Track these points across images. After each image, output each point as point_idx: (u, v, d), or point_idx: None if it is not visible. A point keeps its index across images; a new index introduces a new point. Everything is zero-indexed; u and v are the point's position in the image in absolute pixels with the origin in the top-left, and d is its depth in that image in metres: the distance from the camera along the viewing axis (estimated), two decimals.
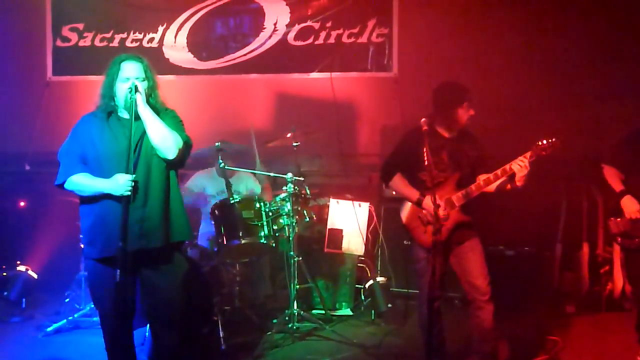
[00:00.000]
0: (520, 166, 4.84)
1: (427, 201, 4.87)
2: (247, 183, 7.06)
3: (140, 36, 8.20)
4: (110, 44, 8.18)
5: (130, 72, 4.46)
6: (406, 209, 5.17)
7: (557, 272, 7.28)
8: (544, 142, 4.87)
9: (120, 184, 4.26)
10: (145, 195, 4.40)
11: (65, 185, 4.49)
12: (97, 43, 8.20)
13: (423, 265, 5.07)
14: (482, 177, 4.99)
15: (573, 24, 7.79)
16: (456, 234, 5.05)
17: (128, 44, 8.19)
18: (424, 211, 4.99)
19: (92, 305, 6.47)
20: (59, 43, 8.32)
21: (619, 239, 5.60)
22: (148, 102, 4.46)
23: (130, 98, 4.34)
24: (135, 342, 4.76)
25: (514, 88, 7.73)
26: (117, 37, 8.18)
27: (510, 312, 5.82)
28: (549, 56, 7.82)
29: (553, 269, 7.26)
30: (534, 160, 4.87)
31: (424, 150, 4.57)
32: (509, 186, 4.98)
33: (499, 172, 4.90)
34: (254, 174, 7.11)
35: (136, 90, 4.37)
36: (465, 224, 5.06)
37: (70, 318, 6.55)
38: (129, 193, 4.25)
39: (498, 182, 4.95)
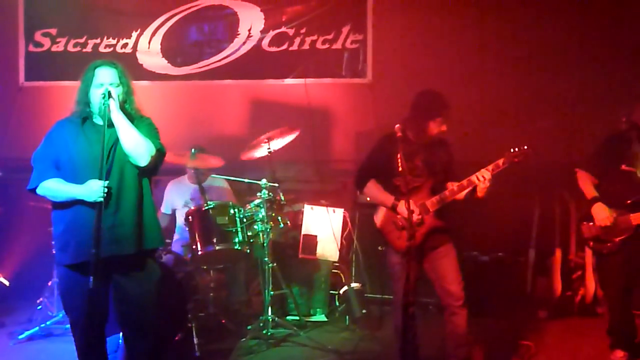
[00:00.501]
0: (480, 179, 4.89)
1: (402, 206, 4.89)
2: (222, 190, 7.05)
3: (114, 41, 8.15)
4: (84, 50, 8.13)
5: (105, 78, 4.45)
6: (380, 214, 5.18)
7: (530, 278, 7.33)
8: (516, 149, 4.92)
9: (93, 189, 4.24)
10: (118, 201, 4.38)
11: (38, 191, 4.46)
12: (70, 48, 8.15)
13: (397, 270, 5.08)
14: (452, 185, 5.03)
15: (546, 30, 7.85)
16: (430, 239, 5.07)
17: (101, 49, 8.14)
18: (398, 216, 5.01)
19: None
20: (31, 48, 8.26)
21: (591, 244, 5.68)
22: (123, 108, 4.45)
23: (104, 104, 4.33)
24: (108, 349, 4.73)
25: (487, 94, 7.78)
26: (91, 43, 8.13)
27: (484, 318, 5.86)
28: (522, 62, 7.88)
29: (526, 275, 7.32)
30: (506, 167, 4.92)
31: (398, 156, 4.60)
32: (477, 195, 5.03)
33: (464, 182, 4.95)
34: (228, 180, 7.10)
35: (109, 96, 4.35)
36: (439, 230, 5.08)
37: (43, 325, 6.49)
38: (102, 199, 4.22)
39: (465, 191, 4.99)
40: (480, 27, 7.91)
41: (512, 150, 4.93)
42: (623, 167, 5.45)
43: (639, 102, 5.48)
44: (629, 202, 5.42)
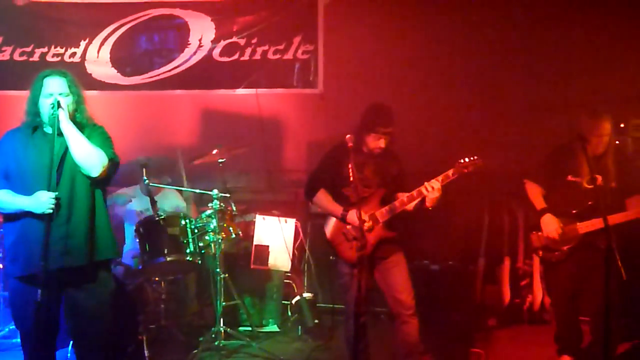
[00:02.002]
0: (429, 190, 4.94)
1: (351, 216, 4.93)
2: (172, 200, 7.01)
3: (62, 50, 8.03)
4: (30, 59, 7.98)
5: (54, 87, 4.42)
6: (330, 225, 5.21)
7: (480, 286, 7.40)
8: (466, 160, 4.99)
9: (41, 201, 4.21)
10: (69, 212, 4.35)
11: None
12: (16, 57, 7.98)
13: (348, 280, 5.11)
14: (402, 196, 5.08)
15: (497, 44, 7.97)
16: (380, 249, 5.11)
17: (49, 58, 8.00)
18: (348, 226, 5.04)
19: (12, 327, 6.32)
20: None
21: (540, 253, 5.77)
22: (74, 117, 4.42)
23: (53, 114, 4.29)
24: None
25: (438, 104, 7.86)
26: (38, 52, 7.99)
27: (435, 326, 5.90)
28: (473, 73, 7.99)
29: (476, 283, 7.38)
30: (456, 178, 4.98)
31: (349, 166, 4.63)
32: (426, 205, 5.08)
33: (414, 192, 5.00)
34: (179, 191, 7.06)
35: (59, 106, 4.32)
36: (389, 240, 5.13)
37: None
38: (51, 210, 4.19)
39: (414, 202, 5.05)
40: (430, 39, 7.98)
41: (461, 161, 5.00)
42: (569, 177, 5.55)
43: (583, 114, 5.59)
44: (574, 211, 5.53)
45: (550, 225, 5.57)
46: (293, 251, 7.09)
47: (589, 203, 5.36)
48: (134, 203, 6.90)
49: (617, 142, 6.17)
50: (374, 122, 5.10)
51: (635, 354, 6.09)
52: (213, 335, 6.24)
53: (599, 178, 5.32)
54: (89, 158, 4.35)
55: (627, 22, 7.59)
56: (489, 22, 7.98)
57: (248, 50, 8.15)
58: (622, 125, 6.87)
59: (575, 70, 7.75)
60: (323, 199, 5.20)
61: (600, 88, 7.45)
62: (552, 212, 5.59)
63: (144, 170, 6.30)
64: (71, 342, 5.29)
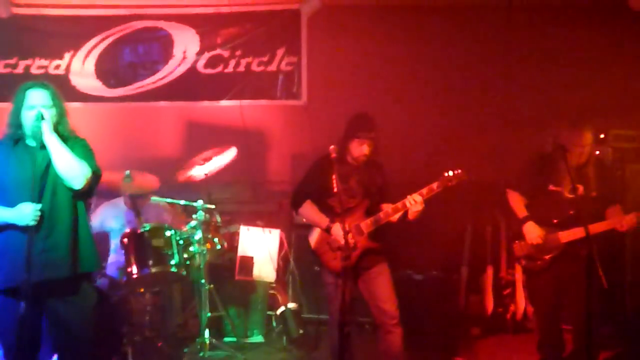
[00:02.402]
0: (412, 203, 4.97)
1: (336, 228, 4.94)
2: (157, 212, 7.00)
3: (46, 63, 8.00)
4: (14, 70, 7.93)
5: (37, 99, 4.39)
6: (315, 235, 5.22)
7: (463, 295, 7.43)
8: (450, 173, 5.03)
9: (24, 213, 4.18)
10: (50, 224, 4.31)
11: None
12: (0, 69, 7.98)
13: (332, 290, 5.12)
14: (386, 207, 5.09)
15: (476, 58, 8.03)
16: (364, 260, 5.12)
17: (33, 70, 7.96)
18: (332, 237, 5.05)
19: None
20: None
21: (523, 262, 5.80)
22: (57, 129, 4.40)
23: (36, 126, 4.28)
24: None
25: (421, 116, 7.88)
26: (22, 64, 7.95)
27: (419, 335, 5.91)
28: (455, 86, 8.03)
29: (459, 292, 7.41)
30: (440, 190, 5.01)
31: (333, 177, 4.65)
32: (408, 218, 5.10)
33: (399, 204, 5.03)
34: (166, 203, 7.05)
35: (42, 118, 4.30)
36: (374, 250, 5.14)
37: None
38: (35, 223, 4.16)
39: (398, 214, 5.07)
40: (413, 52, 8.03)
41: (446, 174, 5.03)
42: (551, 187, 5.59)
43: (563, 124, 5.64)
44: (556, 221, 5.57)
45: (533, 232, 5.60)
46: (278, 262, 7.09)
47: (570, 212, 5.40)
48: (114, 220, 6.87)
49: (597, 152, 6.24)
50: (356, 128, 5.15)
51: None
52: (198, 347, 6.23)
53: (580, 188, 5.38)
54: (72, 170, 4.33)
55: (607, 36, 7.68)
56: (471, 36, 8.04)
57: (232, 62, 8.16)
58: (602, 136, 6.93)
59: (556, 83, 7.81)
60: (309, 210, 5.21)
61: (580, 99, 7.51)
62: (534, 221, 5.63)
63: (128, 183, 6.28)
64: (55, 357, 5.28)
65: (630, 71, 7.63)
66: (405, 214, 5.06)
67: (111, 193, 6.91)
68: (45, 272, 4.27)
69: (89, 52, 8.06)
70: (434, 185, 5.00)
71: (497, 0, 7.92)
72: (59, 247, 4.35)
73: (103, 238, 6.82)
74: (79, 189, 4.38)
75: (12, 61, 7.98)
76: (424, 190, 4.99)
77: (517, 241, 5.75)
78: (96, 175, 4.51)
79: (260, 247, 7.02)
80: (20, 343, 4.18)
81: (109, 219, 6.87)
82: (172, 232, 6.19)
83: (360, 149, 5.14)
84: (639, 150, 7.30)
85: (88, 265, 4.55)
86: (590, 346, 4.74)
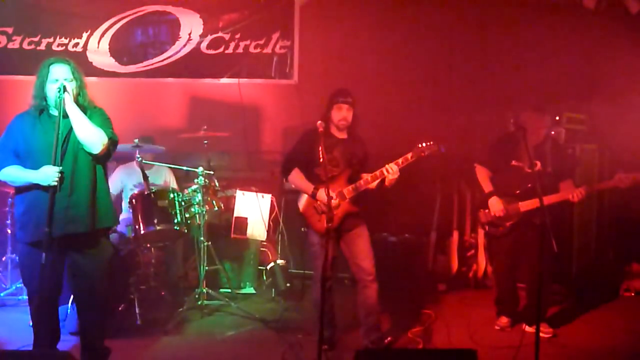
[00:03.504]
0: (389, 172, 4.99)
1: (321, 193, 4.97)
2: (163, 176, 7.01)
3: (66, 41, 7.95)
4: (38, 47, 7.89)
5: (59, 73, 4.40)
6: (303, 200, 5.24)
7: (432, 256, 7.48)
8: (424, 144, 5.04)
9: (47, 174, 4.21)
10: (72, 185, 4.34)
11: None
12: (25, 46, 7.89)
13: (317, 249, 5.15)
14: (366, 175, 5.12)
15: (452, 42, 8.05)
16: (346, 222, 5.15)
17: (54, 47, 7.91)
18: (318, 202, 5.07)
19: (18, 285, 6.32)
20: None
21: (487, 227, 5.87)
22: (77, 100, 4.42)
23: (59, 97, 4.28)
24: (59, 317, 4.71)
25: (400, 96, 7.90)
26: (44, 41, 7.90)
27: (392, 290, 5.96)
28: (430, 69, 8.05)
29: (428, 253, 7.45)
30: (414, 160, 5.03)
31: (320, 148, 4.66)
32: (385, 185, 5.13)
33: (377, 173, 5.05)
34: (171, 168, 7.05)
35: (64, 90, 4.30)
36: (354, 214, 5.17)
37: None
38: (55, 183, 4.18)
39: (376, 181, 5.09)
40: (395, 35, 8.03)
41: (419, 145, 5.04)
42: (513, 162, 5.64)
43: (524, 107, 5.67)
44: (517, 192, 5.63)
45: (496, 205, 5.68)
46: (269, 223, 7.11)
47: (529, 185, 5.45)
48: (128, 180, 6.87)
49: (552, 132, 6.28)
50: (335, 95, 5.19)
51: (562, 316, 6.23)
52: (197, 296, 6.25)
53: (538, 164, 5.42)
54: (91, 137, 4.35)
55: (562, 30, 7.73)
56: (445, 27, 8.04)
57: (232, 44, 8.12)
58: (557, 118, 6.97)
59: (518, 70, 7.83)
60: (297, 177, 5.22)
61: (539, 86, 7.55)
62: (498, 194, 5.69)
63: (138, 149, 6.26)
64: (71, 299, 5.31)
65: (582, 62, 7.68)
66: (383, 181, 5.07)
67: (123, 159, 6.90)
68: (67, 227, 4.32)
69: (105, 32, 7.99)
70: (409, 155, 5.01)
71: None
72: (79, 205, 4.38)
73: (116, 198, 6.83)
74: (96, 153, 4.40)
75: (35, 39, 7.92)
76: (400, 160, 5.00)
77: (482, 209, 5.80)
78: (113, 141, 4.53)
79: (254, 209, 7.03)
80: (42, 288, 4.23)
81: (125, 178, 6.88)
82: (175, 194, 6.20)
83: (339, 114, 5.15)
84: (587, 132, 7.35)
85: (106, 221, 4.59)
86: (540, 301, 4.80)
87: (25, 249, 4.45)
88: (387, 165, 5.00)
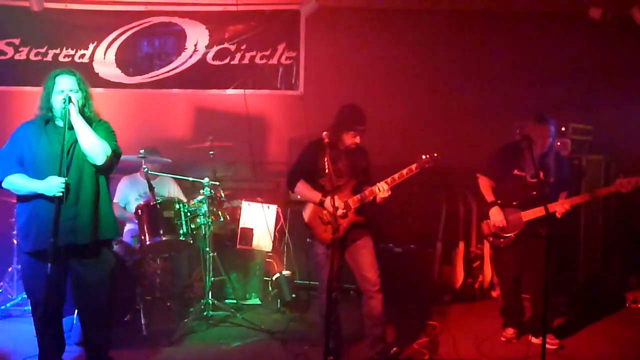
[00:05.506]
0: (379, 190, 4.99)
1: (328, 202, 4.95)
2: (169, 187, 7.03)
3: (72, 52, 7.99)
4: (44, 59, 7.93)
5: (65, 85, 4.42)
6: (308, 210, 5.24)
7: (437, 267, 7.44)
8: (427, 156, 5.03)
9: (53, 185, 4.22)
10: (76, 195, 4.36)
11: (3, 184, 4.44)
12: (32, 57, 7.93)
13: (322, 259, 5.15)
14: (367, 189, 5.11)
15: (456, 53, 8.04)
16: (351, 233, 5.14)
17: (61, 58, 7.94)
18: (324, 212, 5.08)
19: (24, 296, 6.30)
20: None
21: (490, 239, 5.85)
22: (82, 112, 4.43)
23: (64, 108, 4.30)
24: (64, 328, 4.71)
25: (406, 106, 7.93)
26: (51, 53, 7.94)
27: (397, 301, 5.95)
28: (434, 80, 8.05)
29: (434, 264, 7.41)
30: (418, 171, 5.03)
31: (325, 159, 4.67)
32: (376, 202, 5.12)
33: (366, 192, 5.06)
34: (175, 179, 7.07)
35: (70, 101, 4.32)
36: (359, 224, 5.16)
37: (2, 307, 6.37)
38: (61, 194, 4.19)
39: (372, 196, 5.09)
40: (401, 46, 8.04)
41: (423, 157, 5.04)
42: (515, 172, 5.63)
43: (530, 117, 5.66)
44: (518, 202, 5.62)
45: (497, 216, 5.66)
46: (274, 233, 7.09)
47: (533, 193, 5.44)
48: (132, 191, 6.90)
49: (558, 143, 6.27)
50: (352, 122, 5.12)
51: (568, 327, 6.20)
52: (202, 307, 6.24)
53: (541, 174, 5.41)
54: (95, 148, 4.36)
55: (569, 42, 7.74)
56: (451, 39, 8.06)
57: (238, 55, 8.15)
58: (563, 129, 6.96)
59: (524, 81, 7.86)
60: (303, 188, 5.21)
61: (545, 97, 7.55)
62: (500, 204, 5.68)
63: (144, 160, 6.28)
64: (76, 311, 5.31)
65: (588, 72, 7.67)
66: (374, 198, 5.08)
67: (128, 170, 6.93)
68: (70, 238, 4.32)
69: (111, 43, 8.03)
70: (413, 166, 4.99)
71: (476, 7, 7.92)
72: (83, 215, 4.39)
73: (122, 207, 6.87)
74: (100, 165, 4.41)
75: (42, 50, 7.96)
76: (396, 176, 4.99)
77: (484, 221, 5.80)
78: (116, 154, 4.54)
79: (259, 220, 7.03)
80: (46, 299, 4.22)
81: (129, 190, 6.90)
82: (181, 205, 6.21)
83: (353, 140, 5.14)
84: (593, 142, 7.34)
85: (108, 233, 4.60)
86: (546, 312, 4.78)
87: (27, 258, 4.46)
88: (378, 184, 5.00)
